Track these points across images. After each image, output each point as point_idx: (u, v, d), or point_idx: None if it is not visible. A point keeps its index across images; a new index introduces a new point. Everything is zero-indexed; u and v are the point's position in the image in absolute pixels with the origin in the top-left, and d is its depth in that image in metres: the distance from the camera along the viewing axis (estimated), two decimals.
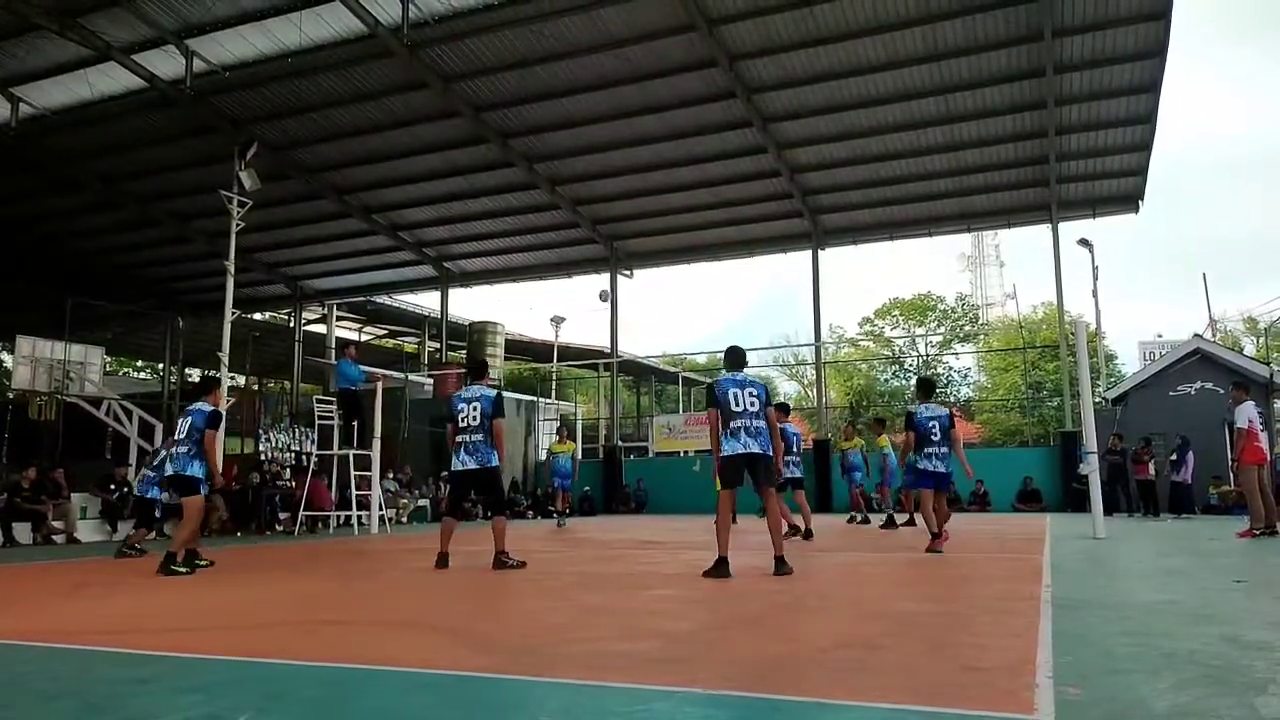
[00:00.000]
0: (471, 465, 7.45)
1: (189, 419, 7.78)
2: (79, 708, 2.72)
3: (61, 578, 7.48)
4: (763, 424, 6.67)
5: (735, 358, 7.05)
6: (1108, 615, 4.36)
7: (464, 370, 8.41)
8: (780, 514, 6.81)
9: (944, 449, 8.70)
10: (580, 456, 17.77)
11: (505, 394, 25.83)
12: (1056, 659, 3.12)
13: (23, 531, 12.21)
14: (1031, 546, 9.03)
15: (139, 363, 43.13)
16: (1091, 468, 10.93)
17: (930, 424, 8.71)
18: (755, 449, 6.56)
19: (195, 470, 7.59)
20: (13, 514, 12.14)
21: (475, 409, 7.48)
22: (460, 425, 7.48)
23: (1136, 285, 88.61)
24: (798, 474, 11.70)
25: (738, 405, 6.61)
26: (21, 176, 21.22)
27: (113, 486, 13.92)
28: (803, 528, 11.08)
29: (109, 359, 24.21)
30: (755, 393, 6.71)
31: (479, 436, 7.45)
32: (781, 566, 6.39)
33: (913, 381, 43.81)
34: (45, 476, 13.05)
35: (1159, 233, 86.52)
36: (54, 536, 12.48)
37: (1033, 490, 20.27)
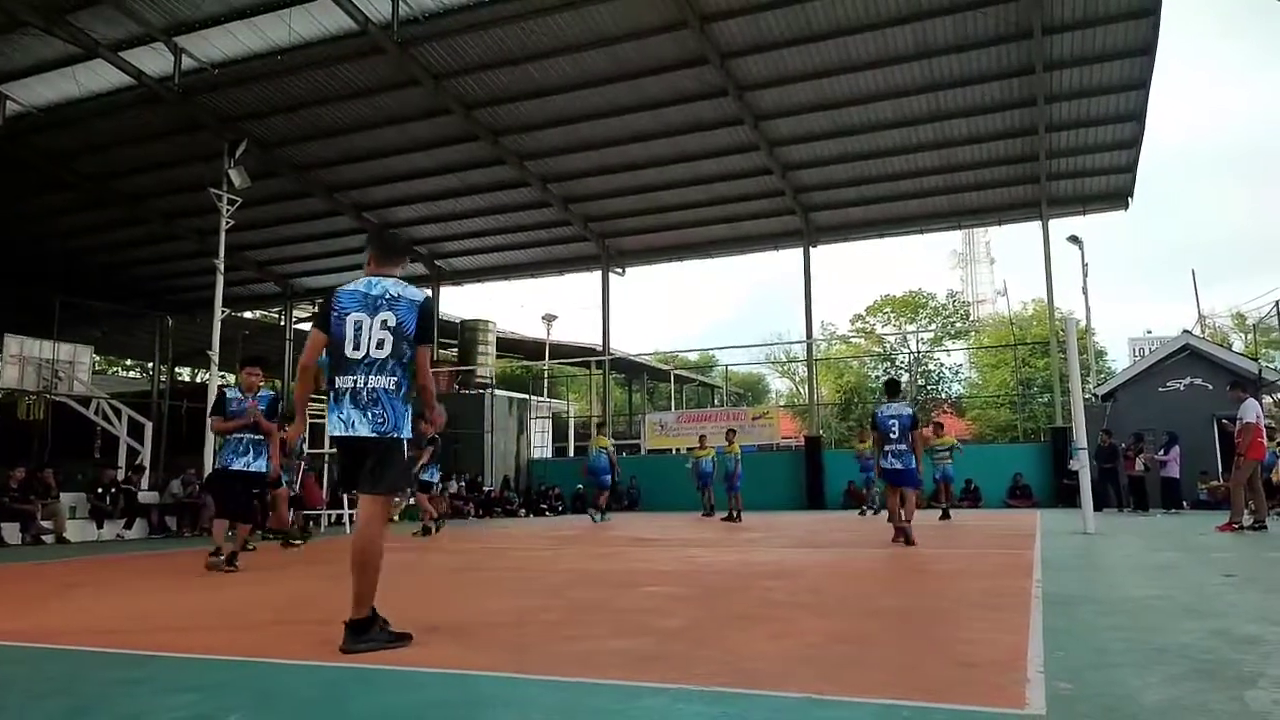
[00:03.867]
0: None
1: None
2: (69, 708, 2.70)
3: (51, 578, 7.43)
4: (384, 384, 3.65)
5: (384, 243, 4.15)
6: (1099, 610, 4.38)
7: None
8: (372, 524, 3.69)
9: (902, 446, 8.93)
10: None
11: (499, 392, 26.16)
12: (1048, 654, 3.13)
13: (11, 532, 12.14)
14: (1022, 542, 9.06)
15: (128, 361, 42.91)
16: (1082, 463, 11.00)
17: (890, 423, 9.00)
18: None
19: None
20: (1, 514, 12.06)
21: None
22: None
23: (1126, 282, 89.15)
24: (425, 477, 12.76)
25: (357, 349, 3.69)
26: (9, 175, 21.06)
27: (100, 490, 13.85)
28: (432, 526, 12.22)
29: (98, 358, 24.12)
30: (392, 319, 3.70)
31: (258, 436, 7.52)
32: (354, 640, 3.50)
33: (904, 378, 44.11)
34: (34, 476, 12.97)
35: (1149, 230, 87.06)
36: (43, 536, 12.40)
37: (1023, 486, 20.36)
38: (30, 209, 23.36)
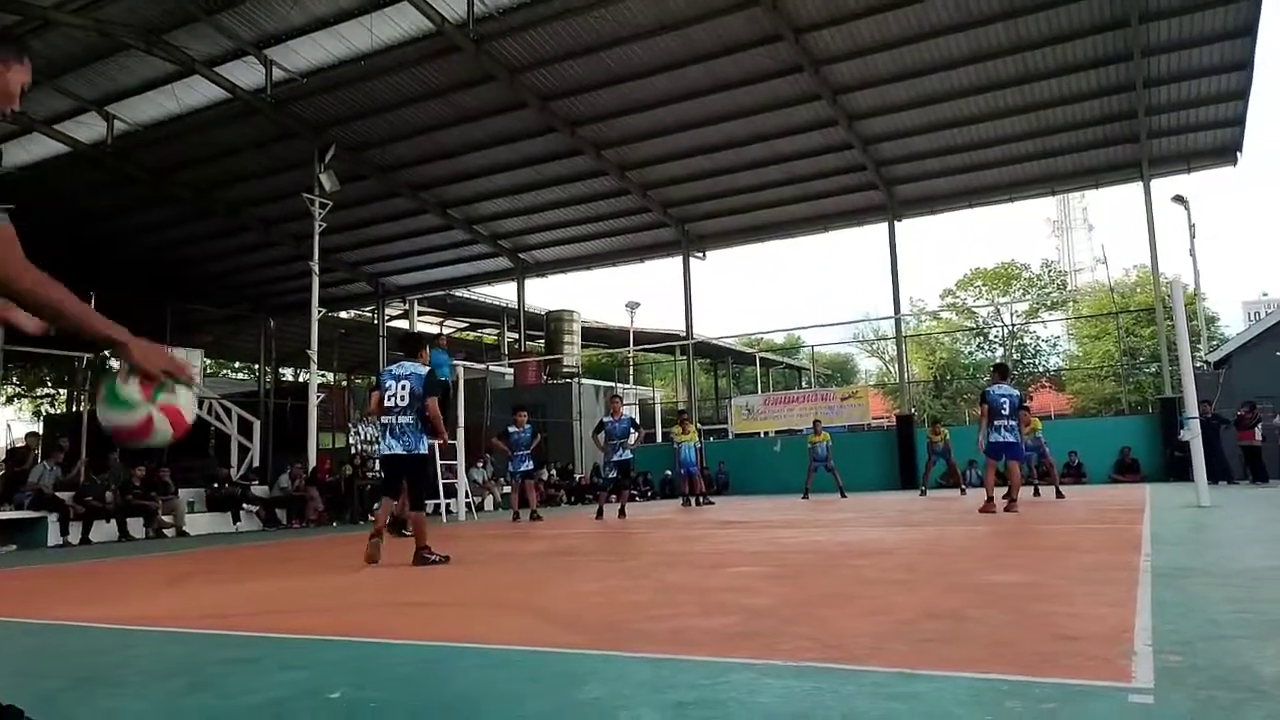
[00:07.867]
0: (398, 450, 6.73)
1: (406, 383, 6.82)
2: (187, 685, 2.87)
3: (171, 568, 7.88)
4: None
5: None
6: (1211, 582, 4.18)
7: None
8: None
9: (1013, 422, 10.03)
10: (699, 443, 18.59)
11: (585, 381, 26.44)
12: (1156, 627, 3.01)
13: (136, 526, 12.92)
14: (1130, 517, 8.70)
15: (236, 364, 44.99)
16: (1193, 434, 10.46)
17: (1002, 400, 10.02)
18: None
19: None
20: (126, 510, 12.86)
21: (405, 387, 6.68)
22: (387, 405, 6.73)
23: (1238, 242, 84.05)
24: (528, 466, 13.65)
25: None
26: (120, 191, 22.31)
27: (216, 485, 14.66)
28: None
29: (208, 361, 25.38)
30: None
31: (407, 419, 6.68)
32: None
33: (998, 353, 42.74)
34: (153, 474, 13.77)
35: (1261, 185, 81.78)
36: (164, 530, 13.16)
37: (1131, 461, 19.48)
38: (139, 222, 24.67)
